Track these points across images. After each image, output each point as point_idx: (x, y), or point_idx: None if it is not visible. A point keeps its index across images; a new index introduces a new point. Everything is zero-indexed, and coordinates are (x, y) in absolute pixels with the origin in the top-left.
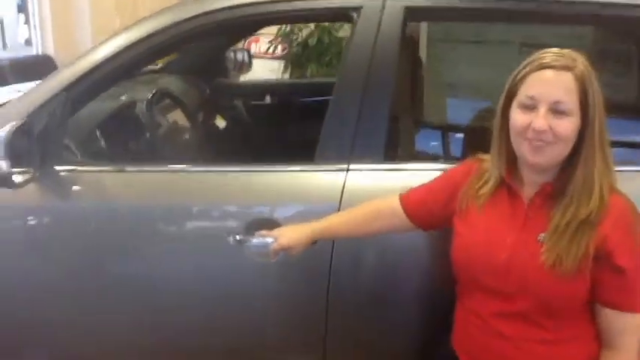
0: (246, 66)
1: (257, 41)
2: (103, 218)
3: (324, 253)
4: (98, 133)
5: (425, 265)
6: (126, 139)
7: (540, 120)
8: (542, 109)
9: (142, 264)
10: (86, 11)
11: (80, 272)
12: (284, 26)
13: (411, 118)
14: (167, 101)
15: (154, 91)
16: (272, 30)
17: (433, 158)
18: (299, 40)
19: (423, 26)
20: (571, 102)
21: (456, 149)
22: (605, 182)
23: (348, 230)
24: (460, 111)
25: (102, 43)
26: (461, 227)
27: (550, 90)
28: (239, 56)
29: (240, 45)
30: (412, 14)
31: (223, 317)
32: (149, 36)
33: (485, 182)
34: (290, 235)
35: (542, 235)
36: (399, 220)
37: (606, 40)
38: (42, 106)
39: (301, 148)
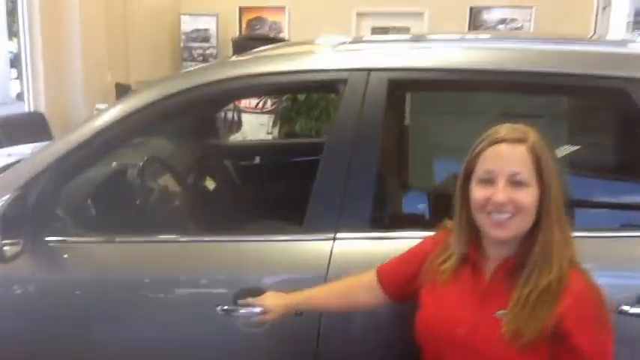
0: (236, 126)
1: None
2: (91, 290)
3: (312, 323)
4: (89, 201)
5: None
6: (116, 208)
7: (500, 193)
8: (501, 183)
9: (131, 335)
10: (78, 66)
11: (69, 343)
12: None
13: (397, 186)
14: (157, 166)
15: (145, 159)
16: None
17: (419, 225)
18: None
19: (408, 97)
20: (527, 172)
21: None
22: (564, 252)
23: (327, 302)
24: (444, 178)
25: (94, 116)
26: (425, 299)
27: (506, 163)
28: (229, 117)
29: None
30: (395, 86)
31: None
32: (139, 110)
33: (450, 256)
34: (270, 302)
35: (501, 312)
36: (375, 294)
37: (582, 108)
38: (36, 177)
39: (290, 211)
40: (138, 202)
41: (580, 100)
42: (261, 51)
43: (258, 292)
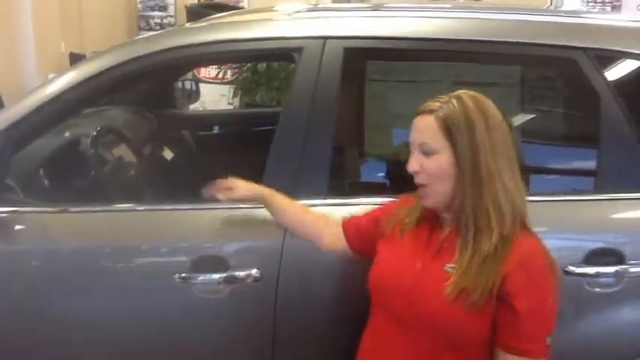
0: (194, 95)
1: (206, 66)
2: (45, 260)
3: (270, 287)
4: (42, 171)
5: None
6: (70, 178)
7: (411, 162)
8: (415, 152)
9: (86, 307)
10: (30, 34)
11: (22, 316)
12: None
13: (353, 154)
14: (112, 136)
15: (98, 129)
16: None
17: (377, 191)
18: (248, 64)
19: (364, 65)
20: (435, 141)
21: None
22: (503, 217)
23: (291, 220)
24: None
25: (44, 84)
26: (382, 250)
27: (418, 133)
28: (187, 86)
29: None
30: (351, 55)
31: (170, 354)
32: (90, 78)
33: (412, 211)
34: (239, 183)
35: (449, 265)
36: (341, 244)
37: (533, 76)
38: None
39: (249, 180)
40: (92, 171)
41: (533, 69)
42: (215, 18)
43: (217, 260)
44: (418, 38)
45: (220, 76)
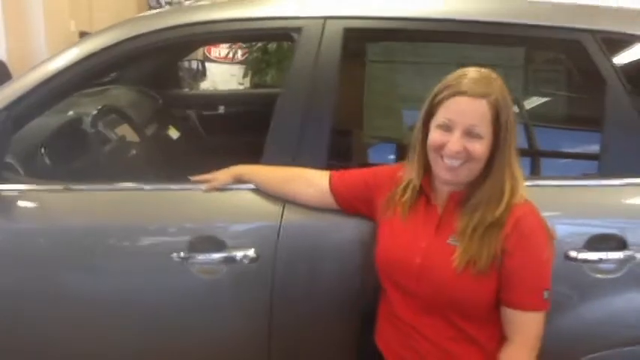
0: (200, 75)
1: (217, 46)
2: (47, 239)
3: (267, 268)
4: (43, 150)
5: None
6: (72, 156)
7: (455, 143)
8: (458, 132)
9: (86, 285)
10: (39, 14)
11: (23, 295)
12: None
13: (352, 134)
14: (114, 116)
15: (99, 107)
16: None
17: None
18: (258, 44)
19: (365, 46)
20: (484, 127)
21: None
22: (513, 189)
23: (269, 182)
24: (400, 128)
25: (44, 61)
26: (384, 231)
27: (465, 116)
28: (193, 66)
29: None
30: (352, 35)
31: (168, 333)
32: (92, 55)
33: (407, 189)
34: (219, 174)
35: (452, 237)
36: (324, 197)
37: (538, 59)
38: None
39: (250, 160)
40: (93, 150)
41: (538, 51)
42: None
43: (214, 240)
44: (420, 19)
45: (231, 56)
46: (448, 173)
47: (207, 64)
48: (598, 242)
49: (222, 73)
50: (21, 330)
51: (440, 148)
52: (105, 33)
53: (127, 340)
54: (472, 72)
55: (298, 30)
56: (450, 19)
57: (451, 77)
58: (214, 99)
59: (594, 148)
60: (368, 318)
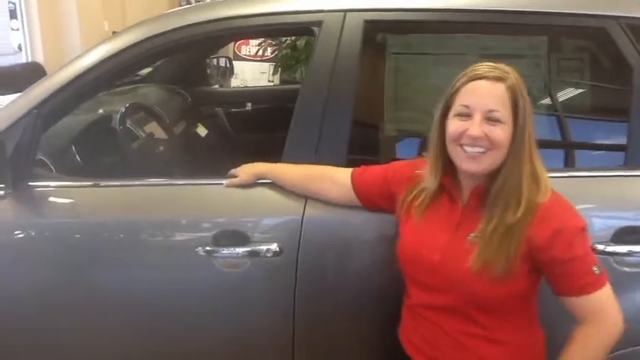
0: (228, 72)
1: (247, 44)
2: (77, 234)
3: (291, 262)
4: (73, 147)
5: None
6: (101, 153)
7: (476, 127)
8: (478, 117)
9: (115, 279)
10: (74, 15)
11: (55, 289)
12: None
13: (373, 128)
14: (142, 113)
15: (127, 105)
16: None
17: None
18: (288, 41)
19: (386, 38)
20: (504, 111)
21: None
22: (534, 189)
23: (292, 180)
24: (420, 120)
25: (73, 59)
26: (406, 227)
27: (484, 99)
28: (221, 63)
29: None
30: (372, 27)
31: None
32: (122, 51)
33: (421, 192)
34: (240, 170)
35: (472, 235)
36: (347, 195)
37: (561, 49)
38: (16, 122)
39: (272, 157)
40: (122, 148)
41: (562, 39)
42: None
43: (238, 234)
44: (441, 9)
45: (260, 53)
46: (471, 163)
47: (238, 62)
48: (626, 235)
49: (253, 71)
50: (51, 322)
51: (460, 137)
52: (131, 31)
53: (153, 333)
54: (488, 63)
55: (319, 24)
56: (471, 9)
57: (467, 69)
58: (242, 96)
59: (621, 139)
60: (392, 312)
